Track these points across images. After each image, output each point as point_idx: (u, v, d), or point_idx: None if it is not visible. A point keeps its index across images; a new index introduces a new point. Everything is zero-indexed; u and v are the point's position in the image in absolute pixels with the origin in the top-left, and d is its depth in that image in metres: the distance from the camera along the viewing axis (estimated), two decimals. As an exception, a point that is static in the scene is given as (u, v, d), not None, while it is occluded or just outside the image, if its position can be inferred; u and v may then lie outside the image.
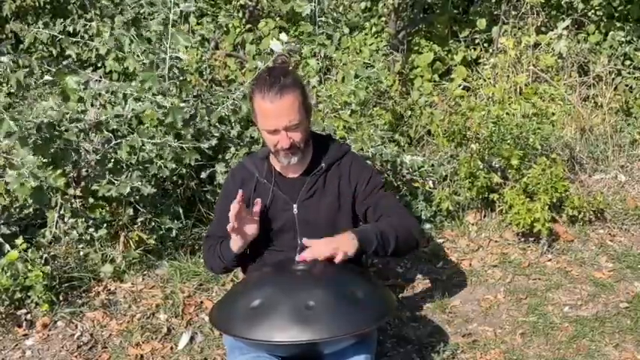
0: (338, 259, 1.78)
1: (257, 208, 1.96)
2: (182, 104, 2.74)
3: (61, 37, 3.57)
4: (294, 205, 2.01)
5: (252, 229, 1.96)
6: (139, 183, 2.59)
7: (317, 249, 1.80)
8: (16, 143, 2.41)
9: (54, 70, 2.97)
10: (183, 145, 2.67)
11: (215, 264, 2.12)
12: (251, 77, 3.31)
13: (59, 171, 2.52)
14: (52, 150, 2.48)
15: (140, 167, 2.73)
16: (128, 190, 2.58)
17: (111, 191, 2.57)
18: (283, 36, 2.93)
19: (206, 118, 2.92)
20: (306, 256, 1.81)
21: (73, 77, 2.76)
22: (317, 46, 4.02)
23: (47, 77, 2.94)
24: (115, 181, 2.60)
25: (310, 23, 4.32)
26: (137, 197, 2.72)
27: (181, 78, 2.97)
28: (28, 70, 2.94)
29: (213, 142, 2.82)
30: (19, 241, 2.54)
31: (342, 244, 1.81)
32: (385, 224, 1.96)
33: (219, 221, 2.11)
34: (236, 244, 1.97)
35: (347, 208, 2.05)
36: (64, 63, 3.38)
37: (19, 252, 2.50)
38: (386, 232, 1.92)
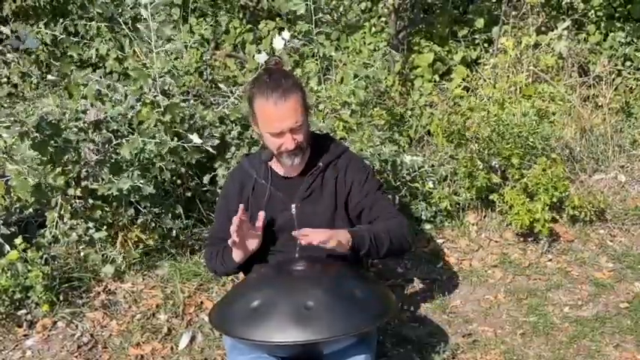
0: (329, 245, 1.78)
1: (260, 223, 1.95)
2: (178, 101, 2.73)
3: (62, 36, 3.58)
4: (293, 205, 2.01)
5: (254, 243, 1.96)
6: (140, 182, 2.58)
7: (314, 234, 1.80)
8: (16, 140, 2.41)
9: (58, 64, 2.97)
10: (185, 145, 2.67)
11: (217, 269, 2.12)
12: (251, 77, 3.31)
13: (58, 169, 2.52)
14: (51, 149, 2.48)
15: (141, 167, 2.72)
16: (128, 186, 2.56)
17: (111, 190, 2.56)
18: (286, 33, 2.90)
19: (208, 117, 2.92)
20: (303, 240, 1.80)
21: (78, 72, 2.76)
22: (316, 45, 4.02)
23: (50, 77, 2.93)
24: (115, 181, 2.59)
25: (306, 22, 4.31)
26: (137, 197, 2.71)
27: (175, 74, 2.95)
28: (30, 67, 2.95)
29: (215, 141, 2.81)
30: (18, 241, 2.54)
31: (338, 235, 1.83)
32: (380, 228, 1.96)
33: (220, 223, 2.11)
34: (238, 255, 1.97)
35: (343, 208, 2.05)
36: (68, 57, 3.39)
37: (19, 252, 2.50)
38: (381, 236, 1.93)
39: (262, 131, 1.91)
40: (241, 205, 1.89)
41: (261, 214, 1.95)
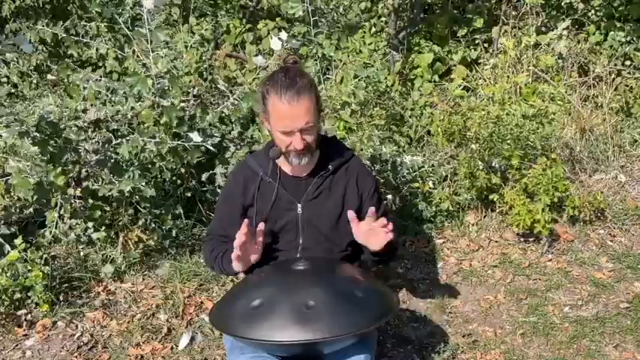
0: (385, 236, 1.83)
1: (260, 238, 1.94)
2: (177, 103, 2.73)
3: (63, 35, 3.58)
4: (299, 205, 2.01)
5: (255, 257, 1.95)
6: (142, 184, 2.58)
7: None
8: (16, 140, 2.41)
9: (56, 68, 2.97)
10: (185, 144, 2.67)
11: (216, 270, 2.12)
12: (251, 77, 3.31)
13: (59, 169, 2.52)
14: (50, 148, 2.48)
15: (141, 167, 2.72)
16: (129, 188, 2.57)
17: (112, 191, 2.56)
18: (283, 34, 2.92)
19: (207, 118, 2.92)
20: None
21: (76, 74, 2.76)
22: (314, 46, 4.02)
23: (50, 76, 2.93)
24: (116, 181, 2.59)
25: (304, 23, 4.31)
26: (137, 197, 2.71)
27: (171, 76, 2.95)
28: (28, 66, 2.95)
29: (216, 140, 2.81)
30: (18, 241, 2.54)
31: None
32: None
33: (220, 221, 2.11)
34: (239, 267, 1.96)
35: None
36: (66, 61, 3.38)
37: (19, 252, 2.50)
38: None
39: (273, 128, 1.91)
40: (245, 220, 1.87)
41: (261, 226, 1.94)
